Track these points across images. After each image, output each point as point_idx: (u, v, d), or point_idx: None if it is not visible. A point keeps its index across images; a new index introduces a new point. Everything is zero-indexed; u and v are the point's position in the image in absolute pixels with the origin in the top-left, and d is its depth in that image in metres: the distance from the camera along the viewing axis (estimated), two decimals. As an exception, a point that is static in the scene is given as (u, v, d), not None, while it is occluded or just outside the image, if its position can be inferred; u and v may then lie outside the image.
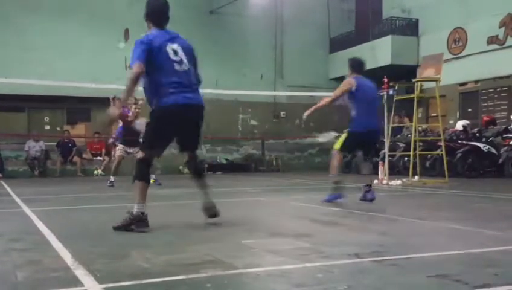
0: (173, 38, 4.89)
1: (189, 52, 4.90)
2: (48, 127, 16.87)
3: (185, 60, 4.72)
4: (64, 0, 15.85)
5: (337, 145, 6.58)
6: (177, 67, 4.63)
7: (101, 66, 15.75)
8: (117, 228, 4.32)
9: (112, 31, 16.39)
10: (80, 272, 2.81)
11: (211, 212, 4.75)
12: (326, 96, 7.02)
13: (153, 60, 4.57)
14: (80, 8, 15.98)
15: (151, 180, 11.93)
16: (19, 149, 15.69)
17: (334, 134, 7.96)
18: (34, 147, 15.50)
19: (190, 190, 9.56)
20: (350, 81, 6.48)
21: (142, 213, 4.40)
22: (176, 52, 4.71)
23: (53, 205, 6.96)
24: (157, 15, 5.05)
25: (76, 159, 15.88)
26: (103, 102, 16.65)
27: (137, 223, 4.34)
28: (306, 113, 6.90)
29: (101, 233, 4.32)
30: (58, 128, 16.83)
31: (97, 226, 4.79)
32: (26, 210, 5.99)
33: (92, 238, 4.04)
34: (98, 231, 4.44)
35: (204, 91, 16.40)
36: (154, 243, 3.74)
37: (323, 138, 8.54)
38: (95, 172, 15.77)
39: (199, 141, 4.99)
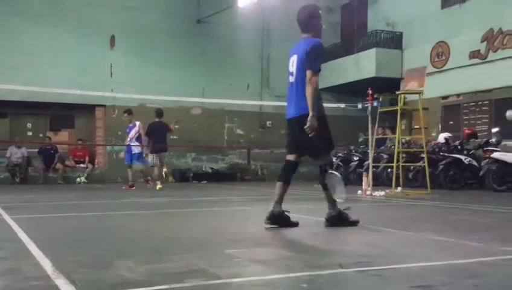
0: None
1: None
2: (30, 134, 16.72)
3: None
4: (51, 7, 15.78)
5: None
6: None
7: (86, 73, 15.70)
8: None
9: (98, 38, 16.35)
10: (61, 282, 2.76)
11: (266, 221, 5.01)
12: None
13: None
14: (66, 15, 15.92)
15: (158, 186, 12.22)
16: (0, 155, 15.50)
17: None
18: (16, 153, 15.34)
19: (174, 198, 9.55)
20: None
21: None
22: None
23: (34, 212, 6.87)
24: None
25: (58, 166, 15.74)
26: (88, 109, 16.68)
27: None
28: None
29: (83, 242, 4.28)
30: (41, 135, 16.69)
31: (79, 235, 4.74)
32: (7, 218, 5.90)
33: (73, 247, 3.99)
34: (80, 240, 4.40)
35: (191, 100, 16.37)
36: (136, 252, 3.71)
37: None
38: (78, 179, 15.65)
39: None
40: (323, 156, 5.09)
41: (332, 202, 5.06)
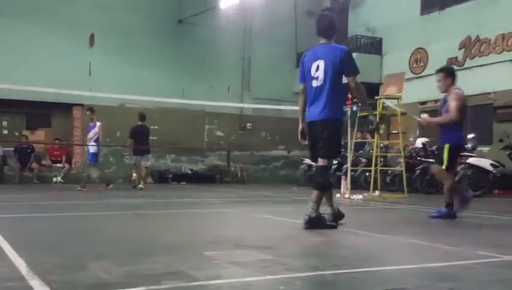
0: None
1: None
2: (6, 132, 16.45)
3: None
4: (30, 4, 15.56)
5: (444, 165, 6.37)
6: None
7: (64, 71, 15.51)
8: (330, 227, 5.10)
9: (76, 37, 16.19)
10: (35, 283, 2.72)
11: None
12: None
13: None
14: (43, 12, 15.73)
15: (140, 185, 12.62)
16: (-24, 154, 15.26)
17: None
18: (-9, 152, 15.09)
19: (153, 199, 9.49)
20: (461, 94, 6.50)
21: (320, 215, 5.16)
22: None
23: (8, 212, 6.76)
24: None
25: (34, 165, 15.53)
26: (65, 108, 16.48)
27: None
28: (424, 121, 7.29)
29: (59, 243, 4.23)
30: (17, 134, 16.43)
31: (54, 236, 4.69)
32: (-18, 217, 5.81)
33: (48, 248, 3.94)
34: (56, 241, 4.34)
35: (171, 100, 16.28)
36: (114, 254, 3.68)
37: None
38: (54, 179, 15.46)
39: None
40: (333, 158, 5.47)
41: (330, 202, 5.31)
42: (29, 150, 15.63)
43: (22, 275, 2.92)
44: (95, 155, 12.23)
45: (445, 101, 6.56)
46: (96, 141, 12.15)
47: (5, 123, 16.51)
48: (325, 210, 5.29)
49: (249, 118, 18.60)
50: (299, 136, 5.43)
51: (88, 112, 12.32)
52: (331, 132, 5.13)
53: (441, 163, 6.41)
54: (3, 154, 15.34)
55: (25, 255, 3.43)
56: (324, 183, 5.17)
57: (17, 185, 14.45)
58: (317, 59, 5.17)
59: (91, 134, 12.15)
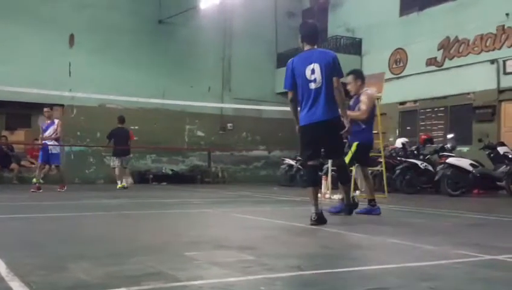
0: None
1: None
2: (-15, 132, 16.20)
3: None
4: (6, 4, 15.34)
5: (347, 160, 6.60)
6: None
7: (43, 71, 15.34)
8: (312, 225, 5.31)
9: (56, 36, 16.01)
10: (15, 284, 2.70)
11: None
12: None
13: None
14: (23, 12, 15.51)
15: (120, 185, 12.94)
16: (-47, 154, 14.99)
17: None
18: (-31, 152, 14.85)
19: (133, 200, 9.43)
20: (371, 95, 6.89)
21: (318, 213, 5.40)
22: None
23: (-13, 213, 6.66)
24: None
25: (14, 166, 15.32)
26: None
27: (318, 220, 5.35)
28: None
29: (39, 244, 4.18)
30: (-5, 134, 16.19)
31: (34, 237, 4.63)
32: (-42, 219, 5.71)
33: (28, 249, 3.90)
34: (36, 242, 4.30)
35: (151, 101, 16.20)
36: (94, 255, 3.65)
37: None
38: (34, 180, 15.23)
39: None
40: (343, 155, 5.90)
41: (347, 196, 5.82)
42: (8, 151, 15.41)
43: (2, 276, 2.89)
44: (57, 155, 11.69)
45: (357, 101, 6.88)
46: (57, 140, 11.66)
47: (-16, 123, 16.28)
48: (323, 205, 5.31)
49: (230, 118, 18.59)
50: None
51: (47, 109, 11.72)
52: (339, 130, 5.52)
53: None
54: (-18, 155, 15.10)
55: (4, 256, 3.39)
56: (310, 181, 5.53)
57: (-4, 185, 14.24)
58: (311, 63, 5.39)
59: (50, 131, 11.55)
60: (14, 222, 5.81)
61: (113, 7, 16.74)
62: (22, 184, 14.60)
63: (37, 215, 6.59)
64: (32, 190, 11.05)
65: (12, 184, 14.80)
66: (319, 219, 5.37)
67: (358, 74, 7.05)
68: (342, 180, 5.93)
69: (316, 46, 5.56)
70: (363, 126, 6.75)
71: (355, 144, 6.71)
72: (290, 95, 5.54)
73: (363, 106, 6.71)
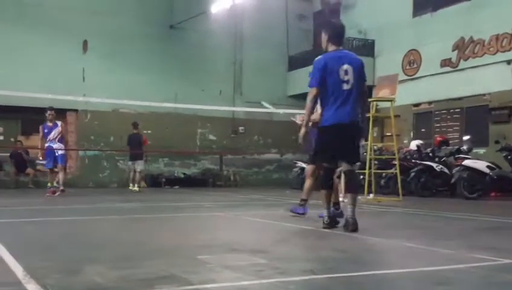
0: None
1: None
2: (1, 138, 16.37)
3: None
4: (21, 10, 15.50)
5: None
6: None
7: (58, 77, 15.46)
8: (324, 228, 5.32)
9: (70, 43, 16.15)
10: (32, 287, 2.73)
11: (353, 228, 5.15)
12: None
13: None
14: (37, 19, 15.66)
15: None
16: (-29, 160, 15.18)
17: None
18: (-14, 157, 15.03)
19: (146, 203, 9.46)
20: None
21: (328, 217, 5.38)
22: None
23: (4, 217, 6.71)
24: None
25: (29, 170, 15.47)
26: (59, 113, 16.38)
27: (328, 225, 5.34)
28: (298, 120, 7.08)
29: (54, 247, 4.21)
30: (12, 139, 16.35)
31: (50, 240, 4.67)
32: (-26, 223, 5.77)
33: (44, 252, 3.92)
34: (51, 245, 4.33)
35: (164, 105, 16.24)
36: (108, 258, 3.66)
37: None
38: (49, 184, 15.36)
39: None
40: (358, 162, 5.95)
41: (354, 207, 5.40)
42: (25, 155, 15.58)
43: (19, 279, 2.92)
44: (64, 156, 11.54)
45: None
46: (61, 140, 11.50)
47: (0, 129, 16.43)
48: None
49: (241, 121, 18.58)
50: (301, 140, 5.48)
51: (52, 112, 11.59)
52: (359, 134, 5.53)
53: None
54: (-1, 160, 15.29)
55: (21, 260, 3.43)
56: (324, 185, 5.46)
57: (13, 190, 14.39)
58: (343, 63, 5.26)
59: (54, 134, 11.39)
60: (30, 226, 5.86)
61: (126, 13, 16.84)
62: (37, 188, 14.72)
63: (52, 219, 6.64)
64: (47, 194, 11.10)
65: (28, 188, 14.94)
66: (331, 222, 5.35)
67: None
68: (350, 188, 5.44)
69: (341, 47, 5.44)
70: None
71: None
72: (315, 92, 5.28)
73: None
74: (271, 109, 8.64)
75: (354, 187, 5.48)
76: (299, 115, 7.13)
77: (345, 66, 5.24)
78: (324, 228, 5.30)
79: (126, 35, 16.73)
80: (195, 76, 17.59)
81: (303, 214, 6.52)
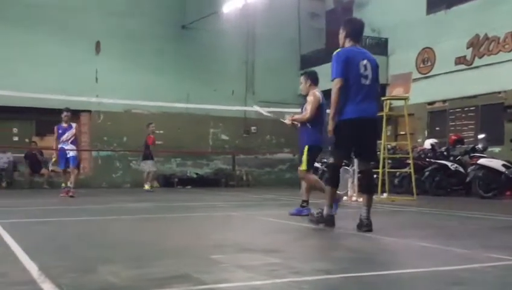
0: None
1: None
2: (16, 138, 16.52)
3: None
4: (34, 11, 15.64)
5: (304, 166, 6.66)
6: None
7: (71, 78, 15.58)
8: (310, 221, 5.37)
9: (83, 44, 16.26)
10: (47, 286, 2.75)
11: (367, 229, 5.09)
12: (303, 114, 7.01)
13: None
14: (50, 20, 15.79)
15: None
16: (-14, 161, 15.35)
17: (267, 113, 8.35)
18: (2, 158, 15.24)
19: (159, 203, 9.49)
20: (318, 96, 6.70)
21: (331, 215, 5.26)
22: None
23: (20, 217, 6.78)
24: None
25: (44, 171, 15.61)
26: (73, 114, 16.47)
27: (326, 223, 5.22)
28: (287, 120, 7.06)
29: (69, 246, 4.24)
30: (26, 140, 16.51)
31: (65, 239, 4.70)
32: (-10, 223, 5.81)
33: (59, 252, 3.95)
34: (66, 244, 4.36)
35: (176, 105, 16.26)
36: (122, 258, 3.68)
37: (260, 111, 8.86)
38: (63, 185, 15.48)
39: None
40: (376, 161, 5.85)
41: (369, 208, 5.28)
42: (39, 156, 15.73)
43: (34, 278, 2.95)
44: (75, 157, 11.51)
45: (305, 101, 6.90)
46: (73, 142, 11.51)
47: (15, 130, 16.58)
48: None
49: (253, 121, 18.55)
50: (330, 134, 5.21)
51: (68, 113, 11.56)
52: (377, 133, 5.51)
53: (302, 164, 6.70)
54: (14, 160, 15.44)
55: (36, 259, 3.46)
56: (333, 182, 5.34)
57: (28, 190, 14.54)
58: (363, 59, 5.21)
59: (68, 136, 11.35)
60: (45, 226, 5.90)
61: (138, 14, 16.92)
62: (52, 189, 14.84)
63: (66, 219, 6.68)
64: (61, 195, 11.16)
65: (43, 189, 15.07)
66: (331, 221, 5.26)
67: (308, 75, 7.01)
68: (367, 189, 5.33)
69: (358, 45, 5.36)
70: (309, 127, 6.71)
71: (306, 147, 6.66)
72: (340, 83, 5.09)
73: (307, 106, 6.70)
74: (263, 111, 8.73)
75: (371, 188, 5.41)
76: (288, 115, 7.24)
77: (364, 61, 5.18)
78: (311, 221, 5.38)
79: (138, 36, 16.80)
80: (207, 76, 17.62)
81: (307, 215, 6.47)
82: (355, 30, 5.40)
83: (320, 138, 6.75)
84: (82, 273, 3.11)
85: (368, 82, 5.16)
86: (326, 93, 5.96)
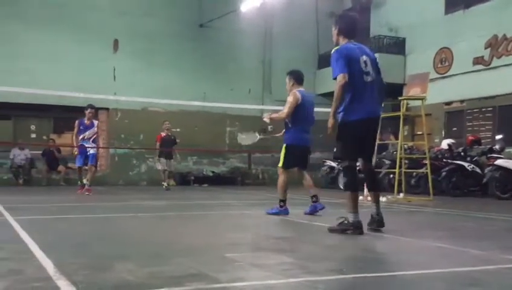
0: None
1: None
2: (34, 136, 16.73)
3: None
4: (53, 10, 15.80)
5: (280, 163, 6.79)
6: None
7: (89, 76, 15.70)
8: (332, 231, 4.93)
9: (101, 41, 16.37)
10: (62, 283, 2.77)
11: (379, 225, 5.06)
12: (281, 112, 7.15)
13: None
14: (68, 18, 15.93)
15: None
16: (4, 157, 15.55)
17: (257, 135, 8.44)
18: (19, 155, 15.37)
19: (175, 201, 9.54)
20: (297, 95, 6.82)
21: (359, 221, 4.89)
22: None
23: (36, 214, 6.87)
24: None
25: (61, 168, 15.77)
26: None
27: (354, 229, 4.85)
28: (265, 118, 7.34)
29: (84, 244, 4.28)
30: (44, 137, 16.70)
31: (80, 237, 4.74)
32: (9, 219, 5.91)
33: (75, 249, 3.99)
34: (81, 242, 4.40)
35: (193, 104, 16.30)
36: (137, 255, 3.71)
37: (246, 139, 9.02)
38: (80, 182, 15.63)
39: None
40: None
41: (378, 205, 5.21)
42: (56, 153, 15.90)
43: (49, 275, 2.98)
44: (94, 155, 11.51)
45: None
46: (94, 140, 11.49)
47: (33, 127, 16.79)
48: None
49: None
50: (330, 131, 4.97)
51: (93, 110, 11.47)
52: (377, 131, 5.35)
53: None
54: (31, 157, 15.62)
55: (52, 256, 3.50)
56: (379, 185, 5.48)
57: (45, 187, 14.70)
58: (363, 54, 5.06)
59: (91, 133, 11.36)
60: (61, 223, 5.97)
61: (156, 13, 17.01)
62: (68, 186, 15.01)
63: (82, 216, 6.75)
64: (78, 191, 11.28)
65: (60, 186, 15.25)
66: (359, 227, 4.89)
67: (292, 74, 7.12)
68: (374, 186, 5.30)
69: (353, 40, 5.17)
70: (290, 126, 6.82)
71: (283, 146, 6.77)
72: (343, 79, 4.85)
73: (286, 105, 6.82)
74: (257, 134, 8.96)
75: (376, 185, 5.42)
76: (266, 114, 7.37)
77: (364, 57, 5.04)
78: (334, 229, 4.95)
79: (156, 35, 16.89)
80: (224, 75, 17.65)
81: (322, 208, 6.87)
82: (348, 26, 5.25)
83: (302, 137, 6.84)
84: (97, 271, 3.14)
85: (369, 79, 5.03)
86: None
